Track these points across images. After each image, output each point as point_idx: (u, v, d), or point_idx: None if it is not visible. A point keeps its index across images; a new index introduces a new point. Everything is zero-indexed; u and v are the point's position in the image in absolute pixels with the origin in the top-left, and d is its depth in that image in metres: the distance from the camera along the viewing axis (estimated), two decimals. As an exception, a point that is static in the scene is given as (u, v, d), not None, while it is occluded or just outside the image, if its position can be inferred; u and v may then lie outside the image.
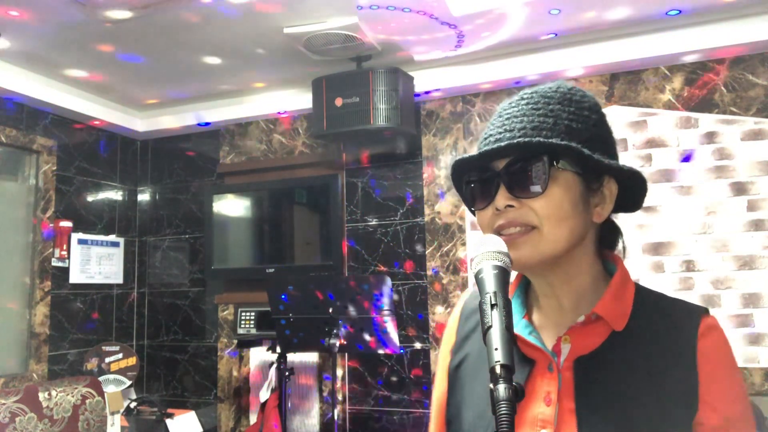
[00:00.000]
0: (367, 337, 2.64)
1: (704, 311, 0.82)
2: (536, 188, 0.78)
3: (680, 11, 2.65)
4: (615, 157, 0.84)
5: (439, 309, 3.18)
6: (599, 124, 0.84)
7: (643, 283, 2.91)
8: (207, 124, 3.75)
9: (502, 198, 0.80)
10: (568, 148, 0.77)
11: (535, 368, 0.83)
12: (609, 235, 0.90)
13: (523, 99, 0.84)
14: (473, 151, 0.84)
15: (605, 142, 0.84)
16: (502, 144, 0.79)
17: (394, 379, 3.24)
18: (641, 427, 0.76)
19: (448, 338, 0.99)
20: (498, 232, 0.81)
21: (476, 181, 0.84)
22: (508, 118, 0.83)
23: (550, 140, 0.78)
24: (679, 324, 0.81)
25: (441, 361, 0.99)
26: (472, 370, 0.90)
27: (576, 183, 0.80)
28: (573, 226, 0.80)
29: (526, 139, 0.78)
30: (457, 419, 0.90)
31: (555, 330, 0.85)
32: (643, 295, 0.85)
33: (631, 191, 0.85)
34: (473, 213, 0.89)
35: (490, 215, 0.82)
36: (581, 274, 0.85)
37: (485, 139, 0.84)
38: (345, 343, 2.66)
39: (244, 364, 3.71)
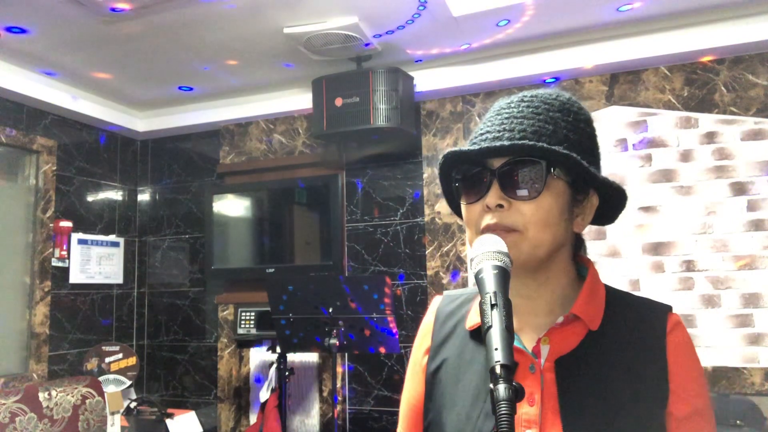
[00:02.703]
0: (366, 337, 2.64)
1: (669, 308, 0.86)
2: (530, 192, 0.80)
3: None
4: (599, 170, 0.87)
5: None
6: (591, 138, 0.86)
7: (643, 283, 2.91)
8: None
9: (494, 196, 0.81)
10: (569, 157, 0.78)
11: (517, 370, 0.84)
12: (578, 241, 0.92)
13: (523, 101, 0.84)
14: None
15: (595, 155, 0.86)
16: (506, 144, 0.79)
17: (394, 379, 3.24)
18: (621, 422, 0.78)
19: (423, 341, 0.99)
20: (482, 230, 0.82)
21: (468, 175, 0.85)
22: (507, 117, 0.83)
23: (552, 147, 0.78)
24: (648, 321, 0.84)
25: (414, 364, 0.99)
26: (452, 374, 0.90)
27: (565, 192, 0.82)
28: (556, 233, 0.82)
29: (531, 143, 0.78)
30: (438, 423, 0.90)
31: (532, 332, 0.87)
32: (612, 294, 0.88)
33: (610, 205, 0.88)
34: (452, 206, 0.91)
35: (478, 211, 0.83)
36: (557, 279, 0.86)
37: (481, 134, 0.84)
38: (345, 343, 2.66)
39: (244, 364, 3.71)
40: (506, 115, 0.83)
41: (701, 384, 0.83)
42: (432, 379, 0.93)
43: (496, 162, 0.81)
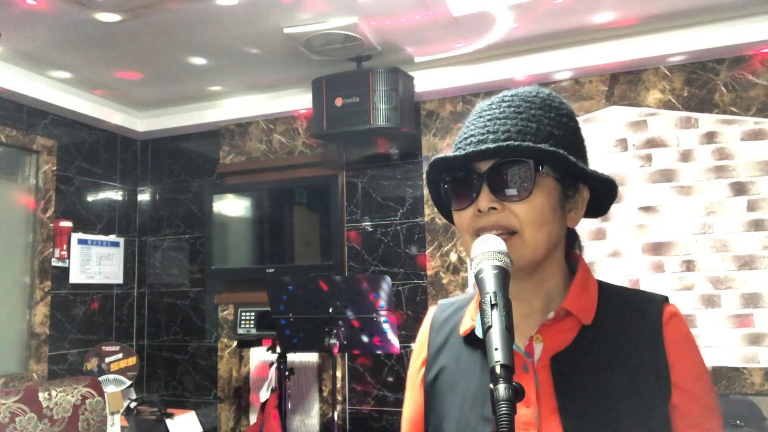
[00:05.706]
0: (366, 337, 2.64)
1: (665, 299, 0.85)
2: (521, 192, 0.79)
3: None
4: (587, 164, 0.87)
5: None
6: (576, 132, 0.86)
7: (643, 283, 2.91)
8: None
9: (485, 200, 0.80)
10: (556, 155, 0.78)
11: None
12: (570, 237, 0.92)
13: (504, 101, 0.84)
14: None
15: (581, 149, 0.86)
16: (491, 146, 0.79)
17: (394, 379, 3.24)
18: (623, 418, 0.77)
19: (419, 352, 0.98)
20: (478, 234, 0.81)
21: (456, 180, 0.84)
22: (490, 119, 0.82)
23: (539, 145, 0.78)
24: (643, 313, 0.83)
25: (412, 376, 0.98)
26: (450, 382, 0.89)
27: (555, 189, 0.82)
28: (551, 231, 0.81)
29: (517, 143, 0.78)
30: None
31: (525, 331, 0.86)
32: (606, 289, 0.87)
33: (601, 197, 0.88)
34: (443, 213, 0.90)
35: (470, 216, 0.82)
36: (553, 277, 0.86)
37: (466, 138, 0.83)
38: (345, 343, 2.65)
39: (244, 364, 3.71)
40: (488, 117, 0.83)
41: (705, 378, 0.82)
42: (430, 389, 0.92)
43: (484, 165, 0.81)
